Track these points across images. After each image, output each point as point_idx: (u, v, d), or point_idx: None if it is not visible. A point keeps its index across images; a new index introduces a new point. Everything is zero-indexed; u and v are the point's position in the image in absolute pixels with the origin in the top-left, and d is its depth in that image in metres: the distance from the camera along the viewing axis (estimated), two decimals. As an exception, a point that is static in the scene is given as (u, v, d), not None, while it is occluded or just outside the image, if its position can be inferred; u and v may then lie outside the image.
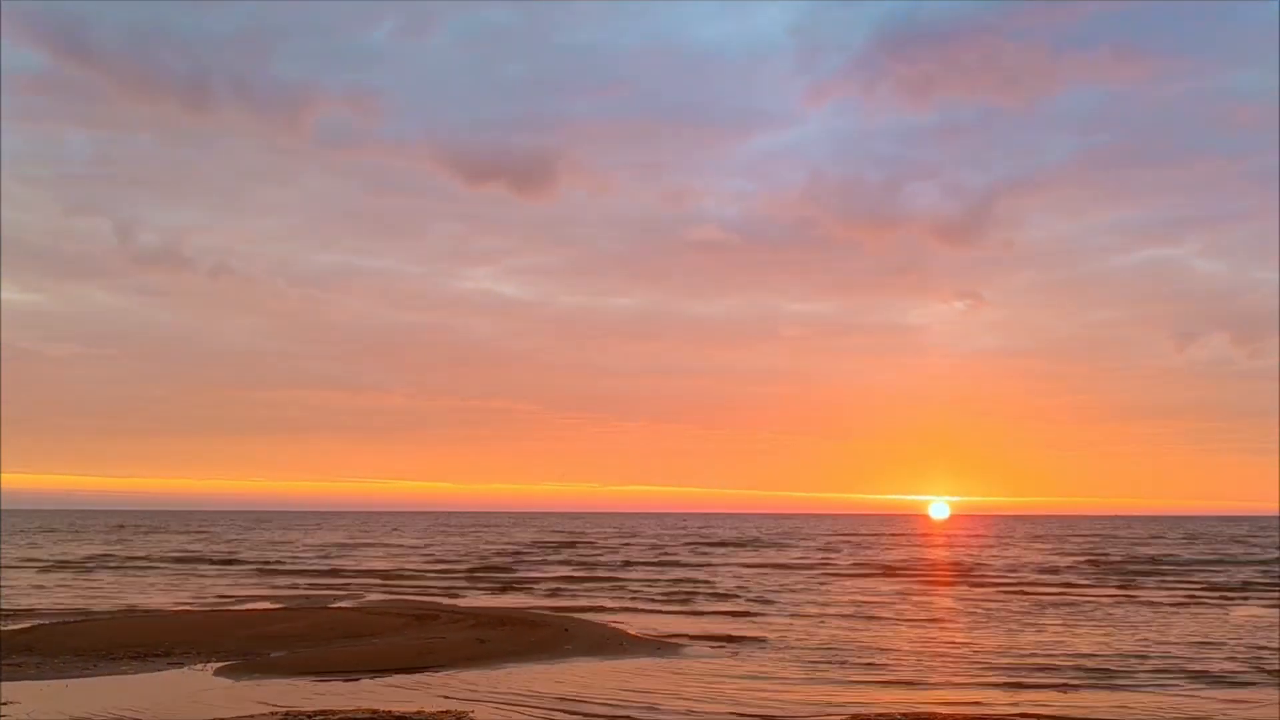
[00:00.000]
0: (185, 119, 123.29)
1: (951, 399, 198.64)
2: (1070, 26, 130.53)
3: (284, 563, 48.56)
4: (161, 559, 51.87)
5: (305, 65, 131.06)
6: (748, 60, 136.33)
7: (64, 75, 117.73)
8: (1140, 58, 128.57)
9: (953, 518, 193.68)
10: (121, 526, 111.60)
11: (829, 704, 14.11)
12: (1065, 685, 15.67)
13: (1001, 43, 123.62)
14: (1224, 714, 13.73)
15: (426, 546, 67.13)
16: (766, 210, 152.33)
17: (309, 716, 12.73)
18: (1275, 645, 20.45)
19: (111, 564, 47.88)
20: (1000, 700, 14.46)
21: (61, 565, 46.33)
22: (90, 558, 52.37)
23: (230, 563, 48.93)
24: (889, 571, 44.01)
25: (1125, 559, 54.47)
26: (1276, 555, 59.16)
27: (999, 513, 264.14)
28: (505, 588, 34.66)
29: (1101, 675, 16.68)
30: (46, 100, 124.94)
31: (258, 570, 44.00)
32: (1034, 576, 40.71)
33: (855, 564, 49.69)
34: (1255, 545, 73.80)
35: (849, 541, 79.22)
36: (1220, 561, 52.46)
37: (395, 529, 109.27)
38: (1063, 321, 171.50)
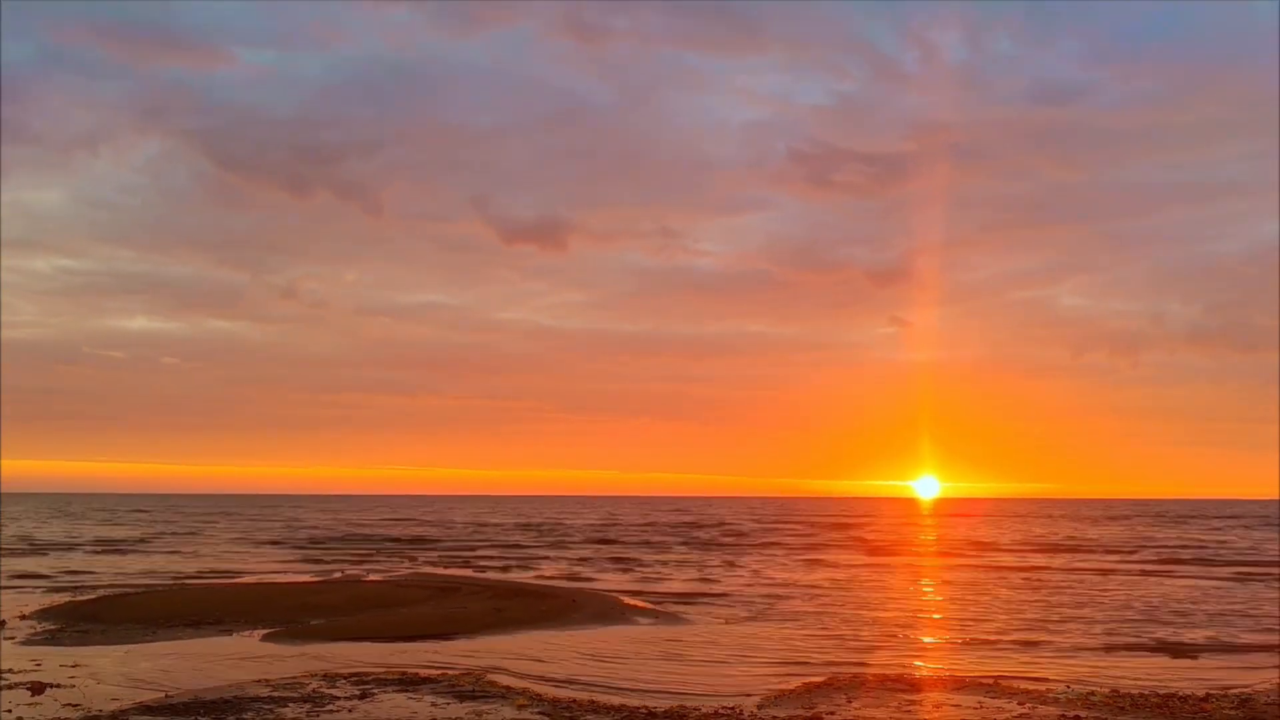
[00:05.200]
0: (295, 202, 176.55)
1: (889, 397, 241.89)
2: (974, 141, 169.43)
3: (368, 547, 50.29)
4: (233, 538, 54.23)
5: (383, 164, 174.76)
6: (719, 167, 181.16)
7: (220, 177, 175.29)
8: (1023, 158, 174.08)
9: (891, 501, 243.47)
10: (183, 511, 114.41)
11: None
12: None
13: (906, 158, 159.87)
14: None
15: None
16: (738, 264, 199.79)
17: (346, 677, 13.67)
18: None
19: (185, 539, 50.25)
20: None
21: (140, 541, 48.83)
22: (170, 535, 54.97)
23: (279, 543, 51.14)
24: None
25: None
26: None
27: (950, 496, 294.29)
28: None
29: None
30: (208, 192, 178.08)
31: (303, 545, 46.09)
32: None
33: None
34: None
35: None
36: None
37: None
38: (972, 339, 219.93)
